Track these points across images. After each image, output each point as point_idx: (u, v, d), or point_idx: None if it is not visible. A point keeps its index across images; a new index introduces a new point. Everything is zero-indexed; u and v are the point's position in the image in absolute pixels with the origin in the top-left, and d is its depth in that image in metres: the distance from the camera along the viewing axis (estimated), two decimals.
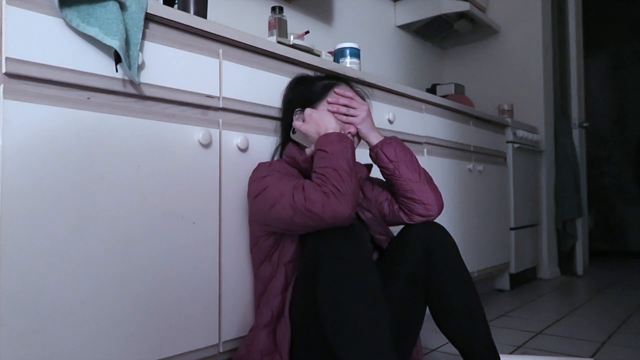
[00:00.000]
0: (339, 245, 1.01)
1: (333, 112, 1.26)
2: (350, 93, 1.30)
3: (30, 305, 0.91)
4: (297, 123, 1.24)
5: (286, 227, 1.10)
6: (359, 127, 1.29)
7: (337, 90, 1.29)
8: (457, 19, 3.10)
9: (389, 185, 1.32)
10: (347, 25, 2.75)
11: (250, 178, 1.21)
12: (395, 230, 1.32)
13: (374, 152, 1.30)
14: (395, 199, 1.31)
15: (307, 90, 1.31)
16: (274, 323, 1.13)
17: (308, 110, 1.24)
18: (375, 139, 1.30)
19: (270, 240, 1.19)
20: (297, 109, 1.29)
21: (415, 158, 1.30)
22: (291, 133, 1.28)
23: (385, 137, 1.31)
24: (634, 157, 4.59)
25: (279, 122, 1.39)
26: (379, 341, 0.94)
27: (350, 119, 1.28)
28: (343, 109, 1.28)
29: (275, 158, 1.36)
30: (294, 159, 1.24)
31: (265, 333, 1.12)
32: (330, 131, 1.16)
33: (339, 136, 1.14)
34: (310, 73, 1.44)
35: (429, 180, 1.29)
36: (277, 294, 1.15)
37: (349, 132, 1.29)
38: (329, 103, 1.27)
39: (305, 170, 1.23)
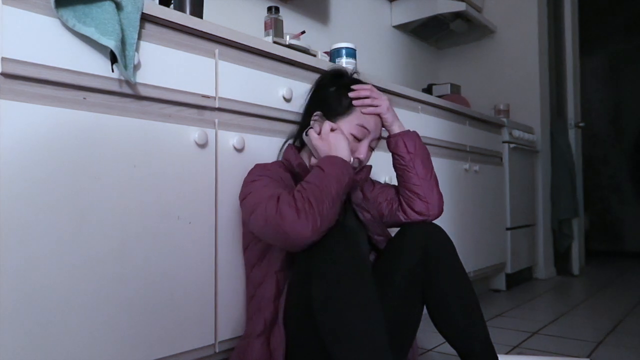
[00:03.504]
0: (333, 247, 1.00)
1: (358, 107, 1.26)
2: (367, 86, 1.30)
3: (27, 307, 0.91)
4: (313, 134, 1.21)
5: (263, 237, 1.09)
6: (384, 115, 1.30)
7: (354, 85, 1.29)
8: (453, 19, 3.10)
9: (397, 175, 1.33)
10: (343, 25, 2.75)
11: (244, 180, 1.19)
12: (393, 232, 1.33)
13: (394, 139, 1.31)
14: (399, 191, 1.32)
15: (336, 99, 1.28)
16: (268, 332, 1.11)
17: (327, 127, 1.20)
18: (398, 129, 1.32)
19: (260, 244, 1.19)
20: (318, 112, 1.26)
21: (431, 159, 1.33)
22: (304, 134, 1.25)
23: (408, 129, 1.33)
24: (630, 157, 4.60)
25: (275, 122, 1.38)
26: (375, 344, 0.93)
27: (376, 110, 1.28)
28: (368, 101, 1.27)
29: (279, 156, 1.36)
30: (289, 162, 1.24)
31: (258, 342, 1.10)
32: (339, 156, 1.13)
33: (343, 163, 1.11)
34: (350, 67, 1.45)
35: (436, 182, 1.31)
36: (268, 302, 1.13)
37: (357, 158, 1.26)
38: (354, 105, 1.26)
39: (298, 175, 1.21)
